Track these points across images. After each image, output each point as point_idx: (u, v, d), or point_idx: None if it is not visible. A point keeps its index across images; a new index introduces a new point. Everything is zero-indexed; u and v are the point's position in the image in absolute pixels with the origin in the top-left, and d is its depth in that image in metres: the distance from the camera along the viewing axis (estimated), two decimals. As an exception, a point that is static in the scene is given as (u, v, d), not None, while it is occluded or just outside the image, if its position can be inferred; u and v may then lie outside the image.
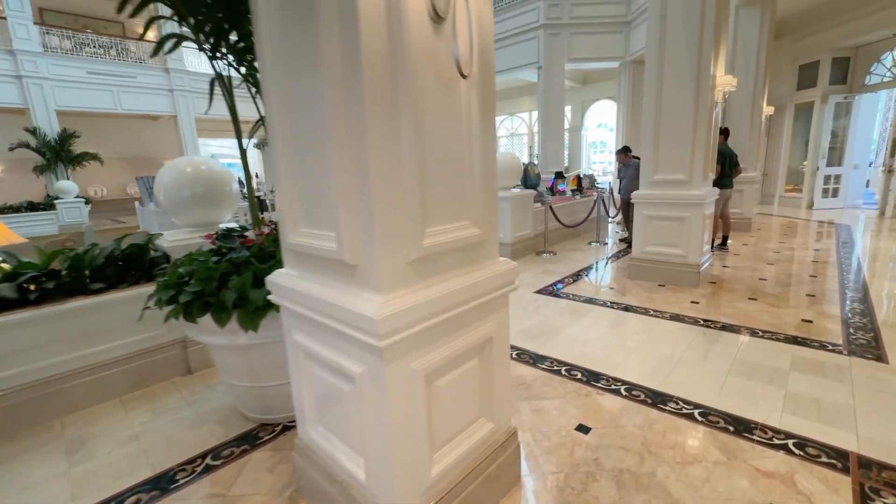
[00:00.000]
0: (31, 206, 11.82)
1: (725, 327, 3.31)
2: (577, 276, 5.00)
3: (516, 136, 17.55)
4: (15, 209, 11.50)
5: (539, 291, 4.43)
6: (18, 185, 14.49)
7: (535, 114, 15.07)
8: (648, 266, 4.56)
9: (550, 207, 6.27)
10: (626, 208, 6.10)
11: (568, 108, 14.72)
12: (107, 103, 14.25)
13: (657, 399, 2.36)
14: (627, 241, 6.20)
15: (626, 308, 3.83)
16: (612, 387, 2.50)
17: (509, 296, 1.71)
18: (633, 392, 2.44)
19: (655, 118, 4.28)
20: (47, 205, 12.06)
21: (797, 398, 2.31)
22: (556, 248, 6.46)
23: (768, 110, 8.27)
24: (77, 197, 12.67)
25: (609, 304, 3.97)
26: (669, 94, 4.15)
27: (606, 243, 6.76)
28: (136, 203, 12.41)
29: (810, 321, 3.34)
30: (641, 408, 2.28)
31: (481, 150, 1.50)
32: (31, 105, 12.83)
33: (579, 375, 2.65)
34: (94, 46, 14.19)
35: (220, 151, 20.36)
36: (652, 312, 3.69)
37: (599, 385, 2.53)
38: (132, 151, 17.82)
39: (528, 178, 6.75)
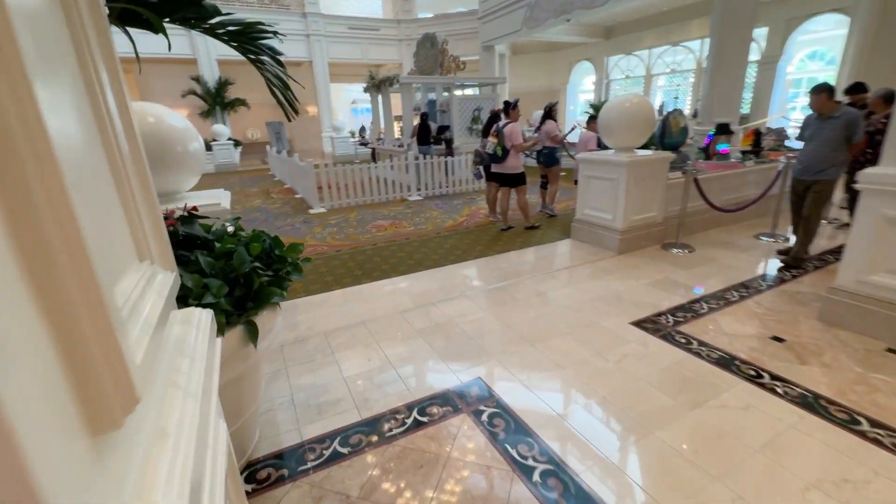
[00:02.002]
0: (195, 147, 13.67)
1: None
2: (718, 298, 3.14)
3: (678, 73, 13.76)
4: (182, 149, 13.44)
5: (640, 323, 2.81)
6: (200, 128, 16.97)
7: (708, 42, 11.32)
8: (866, 309, 2.50)
9: (695, 180, 4.20)
10: (804, 193, 3.67)
11: (762, 31, 10.62)
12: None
13: None
14: (792, 254, 3.72)
15: (809, 400, 2.03)
16: None
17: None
18: None
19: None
20: (206, 146, 13.81)
21: None
22: (697, 242, 4.42)
23: None
24: (229, 139, 14.24)
25: (772, 379, 2.20)
26: None
27: (788, 240, 4.40)
28: (267, 146, 13.40)
29: None
30: None
31: None
32: (197, 55, 14.51)
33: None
34: (247, -5, 15.19)
35: (361, 97, 20.91)
36: (876, 428, 1.85)
37: None
38: (278, 97, 19.46)
39: (668, 134, 4.65)
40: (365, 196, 7.17)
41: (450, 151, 8.38)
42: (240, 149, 15.42)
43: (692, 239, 4.45)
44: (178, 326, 0.82)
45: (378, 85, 9.60)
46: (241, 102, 14.87)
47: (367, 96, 12.00)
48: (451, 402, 2.11)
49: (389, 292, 3.48)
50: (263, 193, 8.80)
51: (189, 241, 1.47)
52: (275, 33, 1.89)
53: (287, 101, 1.93)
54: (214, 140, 13.89)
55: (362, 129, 18.07)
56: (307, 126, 20.15)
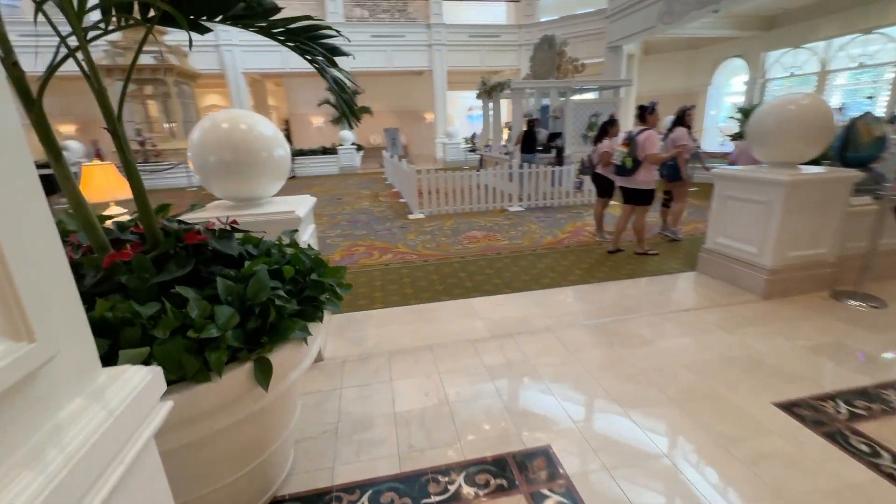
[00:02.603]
0: (324, 151, 15.15)
1: None
2: (927, 384, 2.15)
3: (866, 70, 10.90)
4: (312, 152, 15.00)
5: (791, 406, 2.03)
6: (332, 133, 18.80)
7: (921, 26, 8.66)
8: None
9: (894, 208, 3.05)
10: None
11: None
12: (381, 62, 16.48)
13: None
14: None
15: None
16: None
17: None
18: None
19: None
20: (333, 150, 15.18)
21: None
22: (890, 294, 3.22)
23: None
24: (352, 144, 15.48)
25: None
26: None
27: None
28: (384, 151, 14.18)
29: None
30: None
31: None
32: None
33: None
34: (379, 12, 16.41)
35: (478, 104, 21.22)
36: None
37: None
38: (399, 105, 20.63)
39: (854, 146, 3.49)
40: (464, 204, 7.00)
41: (559, 160, 7.77)
42: (361, 153, 16.69)
43: (882, 289, 3.26)
44: (79, 400, 0.61)
45: (489, 91, 9.40)
46: (365, 110, 16.05)
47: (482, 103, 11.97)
48: (507, 472, 1.71)
49: (466, 315, 3.17)
50: (373, 196, 9.24)
51: (222, 257, 1.35)
52: (338, 32, 1.71)
53: (346, 104, 1.75)
54: (340, 145, 15.20)
55: (473, 136, 18.15)
56: (424, 132, 21.03)
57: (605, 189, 4.96)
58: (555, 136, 8.80)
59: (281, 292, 1.26)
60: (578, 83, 8.59)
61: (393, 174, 10.37)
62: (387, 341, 2.80)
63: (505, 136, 12.85)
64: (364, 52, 16.14)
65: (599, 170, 4.85)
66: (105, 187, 3.05)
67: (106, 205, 3.13)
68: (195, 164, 2.30)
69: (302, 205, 2.55)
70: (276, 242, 1.69)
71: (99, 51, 13.89)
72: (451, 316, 3.16)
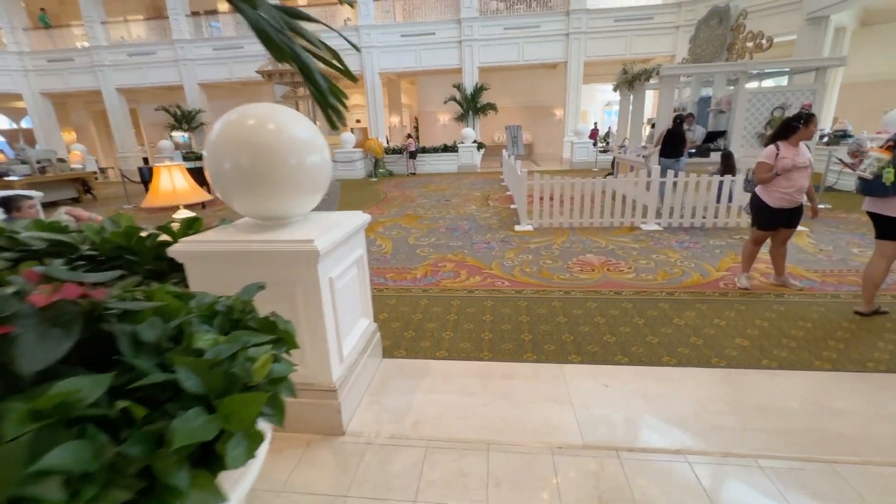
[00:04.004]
0: (444, 148, 15.01)
1: None
2: None
3: None
4: (434, 149, 14.96)
5: None
6: (456, 130, 18.76)
7: None
8: None
9: None
10: None
11: None
12: (512, 56, 15.64)
13: None
14: None
15: None
16: None
17: None
18: None
19: None
20: (453, 148, 14.93)
21: None
22: None
23: None
24: (473, 142, 15.03)
25: None
26: None
27: None
28: (503, 150, 13.35)
29: None
30: None
31: None
32: (463, 64, 15.81)
33: None
34: (516, 2, 15.55)
35: (616, 97, 19.07)
36: None
37: None
38: (528, 101, 19.51)
39: None
40: (583, 217, 5.80)
41: (728, 167, 5.97)
42: (482, 151, 16.15)
43: None
44: None
45: (631, 80, 7.83)
46: (491, 107, 15.44)
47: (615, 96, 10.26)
48: None
49: (553, 393, 2.22)
50: (482, 199, 8.55)
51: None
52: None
53: (326, 103, 1.01)
54: (462, 143, 14.87)
55: (607, 134, 16.12)
56: (552, 129, 19.57)
57: (774, 218, 3.33)
58: (715, 135, 6.90)
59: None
60: (760, 65, 6.53)
61: (508, 175, 9.53)
62: (431, 420, 2.04)
63: (645, 134, 10.92)
64: (494, 47, 15.50)
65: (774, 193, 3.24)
66: (174, 190, 2.90)
67: (176, 208, 3.00)
68: (209, 171, 1.83)
69: (335, 229, 1.93)
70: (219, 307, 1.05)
71: (261, 57, 15.88)
72: (530, 391, 2.25)
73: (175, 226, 2.14)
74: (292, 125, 1.84)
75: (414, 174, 14.11)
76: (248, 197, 1.82)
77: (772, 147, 3.16)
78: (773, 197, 3.18)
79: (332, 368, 1.90)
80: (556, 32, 15.13)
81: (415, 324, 3.10)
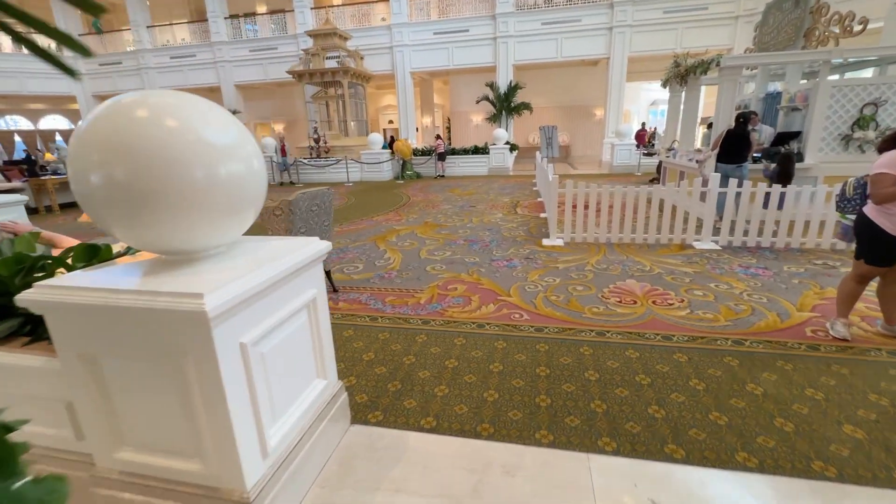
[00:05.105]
0: (475, 150, 14.32)
1: None
2: None
3: None
4: (464, 151, 14.30)
5: None
6: (488, 132, 18.08)
7: None
8: None
9: None
10: None
11: None
12: (550, 52, 14.78)
13: None
14: None
15: None
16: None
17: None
18: None
19: None
20: (485, 149, 14.20)
21: None
22: None
23: None
24: (506, 143, 14.26)
25: None
26: None
27: None
28: (537, 152, 12.51)
29: None
30: None
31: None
32: (497, 62, 15.09)
33: None
34: (554, -5, 14.65)
35: (664, 96, 17.82)
36: None
37: None
38: (565, 100, 18.46)
39: None
40: (623, 231, 4.99)
41: (786, 173, 5.01)
42: (515, 153, 15.35)
43: None
44: None
45: (684, 74, 6.87)
46: (525, 106, 14.63)
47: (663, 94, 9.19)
48: None
49: (570, 499, 1.54)
50: (510, 206, 7.83)
51: None
52: None
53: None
54: (493, 144, 14.14)
55: (653, 135, 14.88)
56: (591, 130, 18.46)
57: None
58: (787, 136, 5.86)
59: None
60: (849, 52, 5.45)
61: (540, 180, 8.75)
62: (391, 546, 1.42)
63: (699, 135, 9.78)
64: (530, 43, 14.70)
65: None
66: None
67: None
68: (73, 185, 1.27)
69: (263, 268, 1.35)
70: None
71: (295, 58, 15.79)
72: (538, 498, 1.58)
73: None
74: (205, 123, 1.27)
75: (442, 176, 13.52)
76: (127, 226, 1.25)
77: (894, 153, 2.31)
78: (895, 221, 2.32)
79: (243, 470, 1.31)
80: (598, 26, 14.13)
81: (404, 370, 2.48)
